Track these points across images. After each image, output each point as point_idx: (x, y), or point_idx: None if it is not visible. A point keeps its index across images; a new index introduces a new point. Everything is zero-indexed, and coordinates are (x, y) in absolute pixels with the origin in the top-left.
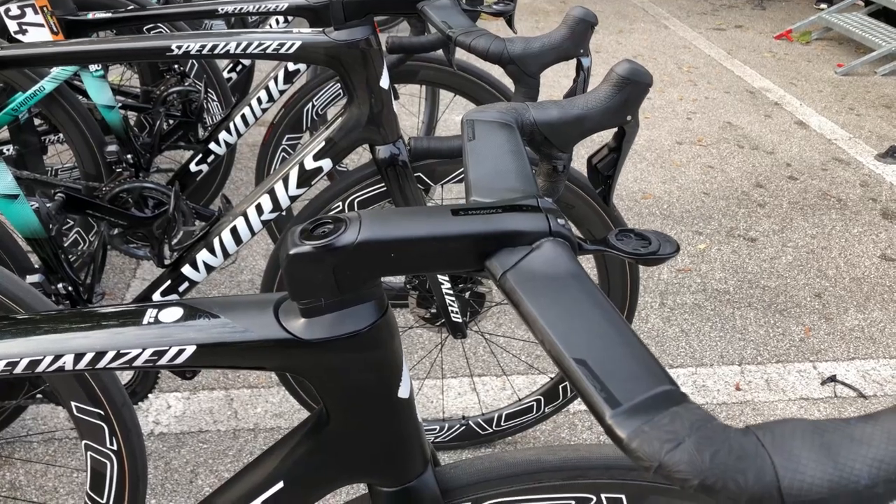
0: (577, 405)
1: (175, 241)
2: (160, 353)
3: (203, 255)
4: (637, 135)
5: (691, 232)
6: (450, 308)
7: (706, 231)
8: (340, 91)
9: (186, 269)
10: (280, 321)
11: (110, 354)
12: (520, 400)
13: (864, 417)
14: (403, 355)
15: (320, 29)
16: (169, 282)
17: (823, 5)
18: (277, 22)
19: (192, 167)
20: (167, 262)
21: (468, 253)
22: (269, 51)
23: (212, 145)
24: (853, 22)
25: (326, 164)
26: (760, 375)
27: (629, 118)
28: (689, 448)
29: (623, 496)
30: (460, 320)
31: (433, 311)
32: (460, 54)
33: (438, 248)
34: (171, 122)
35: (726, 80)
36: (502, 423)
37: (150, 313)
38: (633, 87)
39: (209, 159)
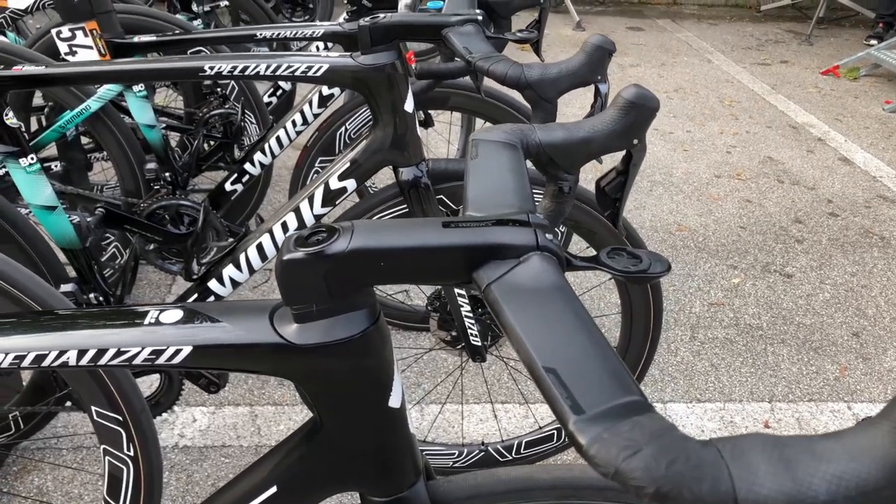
0: None
1: (207, 257)
2: (158, 353)
3: (229, 271)
4: (676, 167)
5: (726, 266)
6: (469, 331)
7: (741, 265)
8: None
9: (213, 284)
10: (274, 326)
11: (111, 352)
12: (540, 428)
13: (828, 435)
14: (396, 365)
15: (348, 53)
16: (196, 295)
17: (874, 41)
18: (318, 48)
19: (227, 187)
20: (195, 276)
21: (457, 264)
22: (297, 73)
23: (247, 166)
24: None
25: (351, 184)
26: (791, 413)
27: (636, 142)
28: (646, 456)
29: None
30: (479, 344)
31: (454, 333)
32: (491, 82)
33: (428, 258)
34: (211, 143)
35: (769, 115)
36: (522, 451)
37: (152, 315)
38: (639, 111)
39: (244, 179)
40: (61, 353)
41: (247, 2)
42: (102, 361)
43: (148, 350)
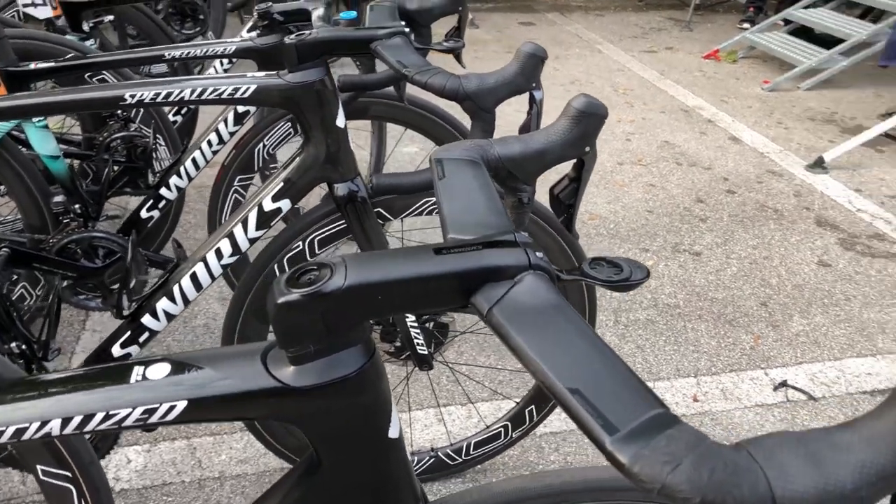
0: (543, 428)
1: (134, 291)
2: (151, 412)
3: (163, 304)
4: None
5: (638, 249)
6: (415, 340)
7: (652, 248)
8: (290, 130)
9: (146, 319)
10: (269, 370)
11: (99, 416)
12: (487, 427)
13: (843, 425)
14: (391, 395)
15: (274, 72)
16: (129, 332)
17: (746, 25)
18: (221, 63)
19: (144, 213)
20: (126, 312)
21: (453, 291)
22: (224, 96)
23: (163, 190)
24: (775, 40)
25: (285, 204)
26: (716, 385)
27: (587, 149)
28: (687, 468)
29: None
30: (426, 352)
31: (397, 344)
32: (410, 89)
33: (424, 287)
34: (116, 168)
35: (661, 101)
36: (471, 452)
37: (137, 371)
38: (589, 119)
39: (160, 205)
40: (44, 423)
41: (137, 16)
42: (90, 427)
43: (140, 410)
